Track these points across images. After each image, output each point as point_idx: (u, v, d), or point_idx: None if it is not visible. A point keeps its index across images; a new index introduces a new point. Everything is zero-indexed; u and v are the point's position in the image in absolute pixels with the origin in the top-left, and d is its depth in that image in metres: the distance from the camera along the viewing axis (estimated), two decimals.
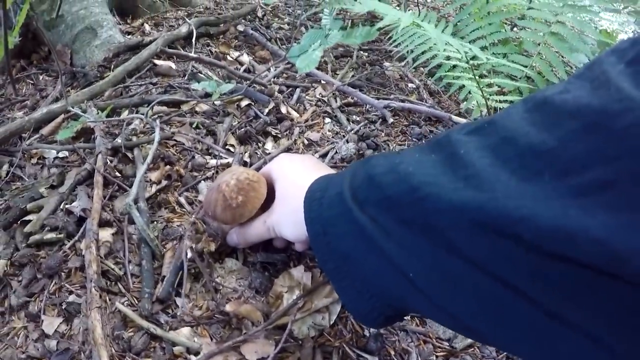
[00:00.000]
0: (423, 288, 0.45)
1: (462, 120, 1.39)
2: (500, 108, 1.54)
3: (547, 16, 1.60)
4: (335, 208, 0.53)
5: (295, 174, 0.71)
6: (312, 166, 0.73)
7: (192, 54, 1.65)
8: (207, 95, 1.57)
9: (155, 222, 1.03)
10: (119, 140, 1.26)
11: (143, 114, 1.27)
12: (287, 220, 0.69)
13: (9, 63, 0.74)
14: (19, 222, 1.06)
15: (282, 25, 2.37)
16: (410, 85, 1.81)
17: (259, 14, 2.44)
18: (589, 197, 0.32)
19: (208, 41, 2.03)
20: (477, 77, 1.29)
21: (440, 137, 0.46)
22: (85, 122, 1.18)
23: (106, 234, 0.99)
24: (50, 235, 0.99)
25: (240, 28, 2.11)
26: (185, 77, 1.63)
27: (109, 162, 1.18)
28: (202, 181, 1.15)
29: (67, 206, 1.07)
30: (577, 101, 0.36)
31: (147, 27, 2.11)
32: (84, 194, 1.09)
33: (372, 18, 2.51)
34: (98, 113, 1.26)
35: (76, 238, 0.98)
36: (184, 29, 1.88)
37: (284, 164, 0.77)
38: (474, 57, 1.22)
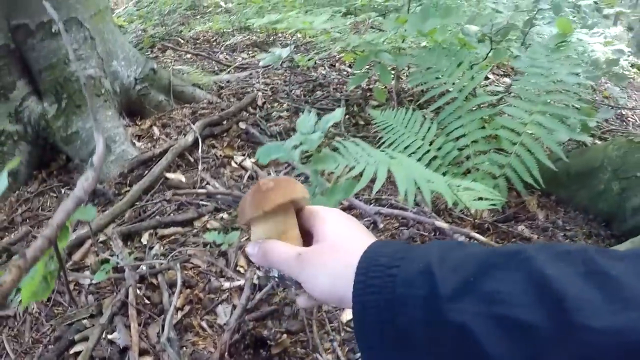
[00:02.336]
0: None
1: (445, 226, 1.77)
2: (475, 209, 1.92)
3: (523, 115, 1.99)
4: (418, 289, 0.51)
5: (353, 228, 0.69)
6: (364, 230, 0.72)
7: (201, 190, 2.05)
8: (217, 209, 1.98)
9: (184, 348, 1.41)
10: (144, 267, 1.66)
11: (164, 257, 1.66)
12: (329, 271, 0.64)
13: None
14: (69, 350, 1.45)
15: (281, 114, 2.80)
16: None
17: (259, 102, 2.88)
18: None
19: (213, 142, 2.46)
20: (452, 190, 1.67)
21: (573, 251, 0.47)
22: (115, 264, 1.58)
23: None
24: None
25: (242, 126, 2.54)
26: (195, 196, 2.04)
27: (138, 292, 1.58)
28: (219, 305, 1.54)
29: (109, 336, 1.46)
30: None
31: (155, 130, 2.55)
32: (122, 325, 1.48)
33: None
34: (126, 254, 1.66)
35: None
36: (190, 138, 2.32)
37: (339, 213, 0.74)
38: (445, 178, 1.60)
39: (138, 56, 2.79)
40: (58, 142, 2.38)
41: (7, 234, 2.11)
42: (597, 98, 3.90)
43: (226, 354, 1.28)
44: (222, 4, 4.89)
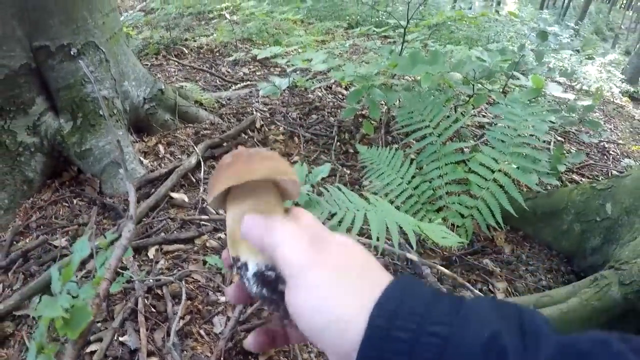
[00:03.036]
0: None
1: (415, 258, 2.15)
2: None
3: (492, 163, 2.38)
4: None
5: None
6: None
7: (203, 216, 2.42)
8: (215, 229, 2.35)
9: (185, 352, 1.79)
10: (151, 280, 2.03)
11: (169, 271, 2.04)
12: (333, 293, 0.47)
13: None
14: (85, 349, 1.82)
15: (277, 137, 3.18)
16: None
17: (257, 124, 3.26)
18: None
19: (213, 163, 2.83)
20: (422, 230, 2.05)
21: None
22: (129, 277, 1.95)
23: None
24: None
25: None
26: (197, 211, 2.42)
27: (145, 302, 1.95)
28: (216, 316, 1.91)
29: (120, 339, 1.83)
30: None
31: (161, 148, 2.92)
32: (132, 330, 1.85)
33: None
34: (136, 268, 2.04)
35: None
36: (193, 160, 2.69)
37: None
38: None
39: (148, 77, 3.16)
40: (72, 156, 2.75)
41: (22, 238, 2.47)
42: (583, 129, 4.30)
43: (221, 358, 1.66)
44: (227, 16, 5.27)
